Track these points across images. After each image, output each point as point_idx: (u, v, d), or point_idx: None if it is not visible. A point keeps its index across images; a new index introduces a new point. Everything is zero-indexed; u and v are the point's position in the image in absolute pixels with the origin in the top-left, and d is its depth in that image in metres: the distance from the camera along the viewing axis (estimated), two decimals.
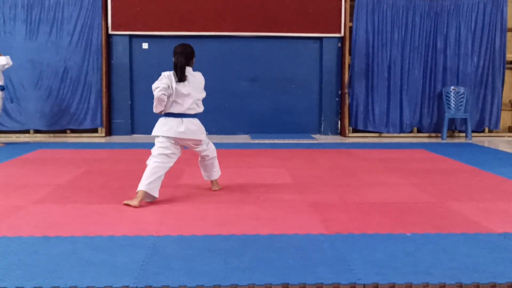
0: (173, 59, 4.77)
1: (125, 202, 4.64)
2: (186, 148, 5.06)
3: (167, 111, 4.80)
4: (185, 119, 4.79)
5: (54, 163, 6.91)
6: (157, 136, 4.81)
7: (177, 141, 4.82)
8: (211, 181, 5.30)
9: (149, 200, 4.72)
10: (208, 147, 5.08)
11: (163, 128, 4.78)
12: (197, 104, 4.86)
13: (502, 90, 10.36)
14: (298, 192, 5.24)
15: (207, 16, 10.01)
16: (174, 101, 4.76)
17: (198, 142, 4.93)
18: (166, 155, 4.76)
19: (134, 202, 4.58)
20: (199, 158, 5.17)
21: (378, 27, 10.13)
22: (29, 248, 3.47)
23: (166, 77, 4.73)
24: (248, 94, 10.40)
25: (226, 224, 4.06)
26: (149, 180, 4.65)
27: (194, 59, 4.90)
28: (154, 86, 4.70)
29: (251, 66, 10.36)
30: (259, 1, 10.08)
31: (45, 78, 9.73)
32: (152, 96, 4.72)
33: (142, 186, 4.64)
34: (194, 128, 4.83)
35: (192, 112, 4.84)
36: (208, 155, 5.09)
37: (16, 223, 4.08)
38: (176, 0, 9.95)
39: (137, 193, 4.66)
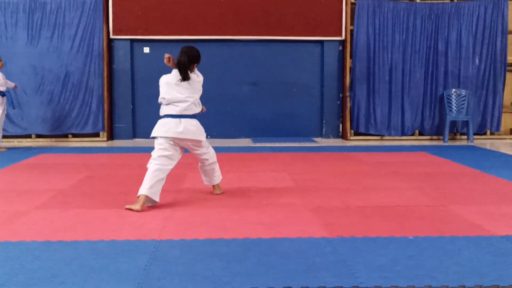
0: (177, 57, 4.78)
1: (127, 206, 4.64)
2: (187, 152, 5.06)
3: (165, 113, 4.83)
4: (183, 120, 4.79)
5: (56, 168, 6.92)
6: (156, 138, 4.82)
7: (177, 142, 4.81)
8: (213, 186, 5.30)
9: (150, 204, 4.72)
10: (208, 151, 5.07)
11: (162, 129, 4.79)
12: (195, 104, 4.86)
13: (503, 92, 10.36)
14: (300, 196, 5.24)
15: (208, 20, 10.03)
16: (172, 103, 4.79)
17: (198, 144, 4.92)
18: (166, 156, 4.76)
19: (137, 207, 4.58)
20: (199, 164, 5.16)
21: (379, 30, 10.14)
22: (31, 253, 3.47)
23: (164, 84, 4.83)
24: (249, 98, 10.41)
25: (228, 229, 4.06)
26: (150, 184, 4.65)
27: (196, 65, 4.88)
28: (159, 100, 4.86)
29: (252, 70, 10.37)
30: (260, 5, 10.09)
31: (47, 83, 9.75)
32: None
33: (143, 191, 4.64)
34: (193, 129, 4.83)
35: (190, 112, 4.83)
36: (207, 159, 5.08)
37: (19, 228, 4.08)
38: (177, 4, 9.97)
39: (138, 197, 4.66)
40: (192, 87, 4.82)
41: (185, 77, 4.76)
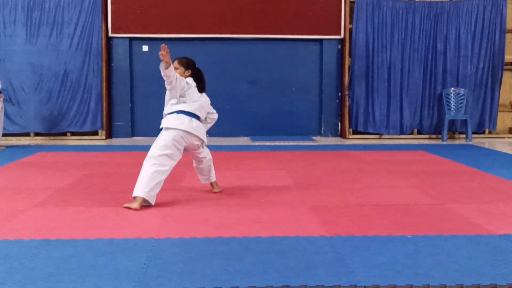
0: (197, 73, 5.01)
1: (126, 205, 4.63)
2: (185, 151, 5.05)
3: (178, 109, 4.83)
4: (193, 119, 4.86)
5: (54, 166, 6.91)
6: (166, 130, 4.75)
7: (184, 139, 4.77)
8: (211, 184, 5.30)
9: (145, 204, 4.69)
10: (205, 149, 5.13)
11: (176, 121, 4.76)
12: (204, 109, 5.02)
13: (499, 91, 10.36)
14: (299, 194, 5.24)
15: (207, 18, 10.02)
16: (185, 102, 4.84)
17: (202, 144, 4.97)
18: (167, 155, 4.70)
19: (135, 205, 4.57)
20: (195, 163, 5.16)
21: (378, 29, 10.14)
22: (29, 252, 3.46)
23: (185, 83, 4.86)
24: (248, 96, 10.41)
25: (226, 227, 4.06)
26: (150, 187, 4.60)
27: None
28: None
29: (251, 68, 10.37)
30: (259, 4, 10.09)
31: (46, 81, 9.74)
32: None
33: (141, 193, 4.59)
34: (202, 129, 4.94)
35: (200, 115, 4.94)
36: (205, 157, 5.10)
37: (17, 226, 4.08)
38: (176, 2, 9.96)
39: (134, 198, 4.64)
40: (203, 98, 5.02)
41: (203, 89, 5.05)
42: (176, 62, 4.95)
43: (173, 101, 4.88)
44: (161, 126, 4.82)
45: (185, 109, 4.83)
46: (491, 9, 10.21)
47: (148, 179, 4.62)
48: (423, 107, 10.35)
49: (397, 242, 3.69)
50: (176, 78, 4.66)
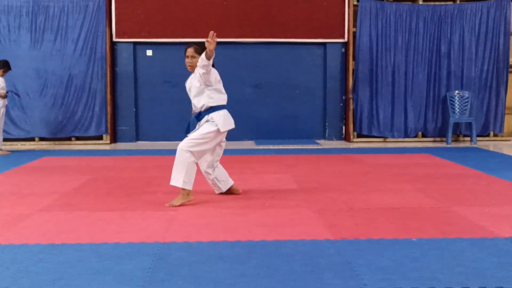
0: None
1: (177, 202, 4.80)
2: None
3: (223, 103, 4.92)
4: None
5: (59, 170, 6.93)
6: (222, 132, 4.85)
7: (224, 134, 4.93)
8: (232, 187, 5.33)
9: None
10: None
11: (229, 120, 4.91)
12: None
13: (506, 94, 10.34)
14: (304, 197, 5.24)
15: (211, 22, 10.03)
16: (221, 91, 4.94)
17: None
18: (205, 150, 4.86)
19: (190, 198, 4.82)
20: (212, 175, 5.20)
21: (382, 32, 10.14)
22: (35, 256, 3.47)
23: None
24: (252, 100, 10.42)
25: (232, 231, 4.06)
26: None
27: None
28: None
29: (255, 72, 10.38)
30: (263, 8, 10.11)
31: (50, 86, 9.78)
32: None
33: (178, 183, 4.79)
34: None
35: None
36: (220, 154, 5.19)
37: (23, 231, 4.09)
38: (180, 7, 9.99)
39: (182, 190, 4.80)
40: None
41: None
42: (192, 50, 4.89)
43: (210, 91, 4.84)
44: (222, 130, 4.81)
45: (225, 103, 4.93)
46: (495, 11, 10.20)
47: (189, 172, 4.79)
48: (427, 110, 10.34)
49: (402, 245, 3.68)
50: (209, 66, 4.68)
